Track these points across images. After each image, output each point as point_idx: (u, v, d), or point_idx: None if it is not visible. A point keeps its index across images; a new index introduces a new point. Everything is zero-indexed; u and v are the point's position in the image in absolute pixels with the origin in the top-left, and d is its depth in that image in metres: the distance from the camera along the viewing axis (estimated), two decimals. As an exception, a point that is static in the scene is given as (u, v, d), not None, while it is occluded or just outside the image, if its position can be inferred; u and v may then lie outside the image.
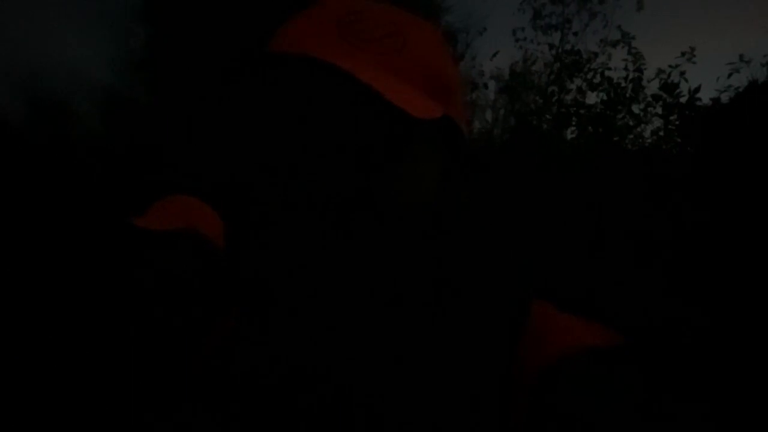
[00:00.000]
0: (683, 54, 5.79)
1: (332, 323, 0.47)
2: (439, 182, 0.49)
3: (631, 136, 6.16)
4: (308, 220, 0.44)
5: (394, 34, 0.46)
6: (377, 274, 0.46)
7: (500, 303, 0.50)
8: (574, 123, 6.41)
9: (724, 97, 4.80)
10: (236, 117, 0.49)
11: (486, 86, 8.61)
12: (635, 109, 6.02)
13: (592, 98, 6.46)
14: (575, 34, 7.62)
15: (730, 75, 5.30)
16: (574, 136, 6.44)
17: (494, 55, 9.00)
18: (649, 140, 6.07)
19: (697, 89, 5.09)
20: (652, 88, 5.89)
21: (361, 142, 0.44)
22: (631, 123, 6.05)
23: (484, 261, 0.54)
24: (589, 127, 6.19)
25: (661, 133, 5.78)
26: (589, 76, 6.46)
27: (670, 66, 5.73)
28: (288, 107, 0.45)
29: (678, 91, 5.35)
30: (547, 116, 6.84)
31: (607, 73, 6.26)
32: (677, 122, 5.33)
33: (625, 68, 6.16)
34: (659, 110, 5.69)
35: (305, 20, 0.47)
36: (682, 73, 5.60)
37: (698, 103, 5.03)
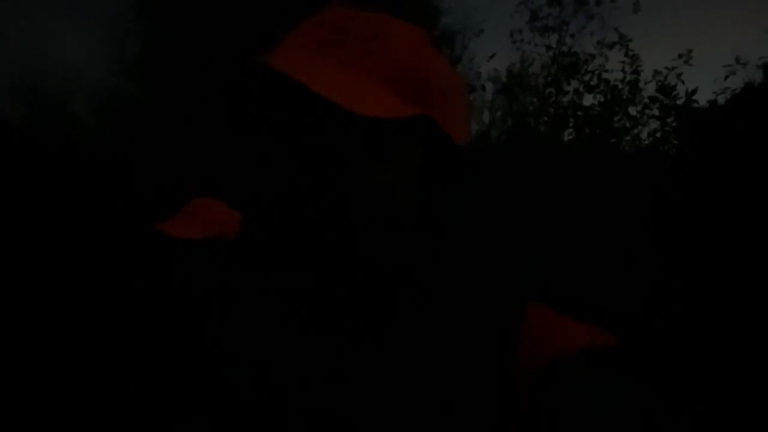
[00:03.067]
0: (680, 56, 5.81)
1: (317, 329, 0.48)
2: (419, 182, 0.50)
3: (628, 138, 6.18)
4: (272, 222, 0.45)
5: (376, 37, 0.48)
6: (356, 275, 0.46)
7: (495, 305, 0.50)
8: (571, 125, 6.42)
9: (721, 99, 4.82)
10: (219, 125, 0.52)
11: (483, 88, 8.61)
12: (632, 111, 6.05)
13: (589, 100, 6.48)
14: (572, 35, 7.64)
15: (726, 77, 5.32)
16: (571, 137, 6.46)
17: (491, 56, 9.01)
18: (646, 142, 6.09)
19: (694, 91, 5.11)
20: (649, 90, 5.92)
21: (315, 143, 0.46)
22: (628, 125, 6.07)
23: (480, 263, 0.54)
24: (587, 129, 6.20)
25: (658, 135, 5.80)
26: (586, 78, 6.48)
27: (666, 68, 5.76)
28: (250, 112, 0.48)
29: (675, 93, 5.36)
30: (545, 118, 6.86)
31: (604, 75, 6.27)
32: (674, 124, 5.35)
33: (623, 70, 6.18)
34: (656, 112, 5.71)
35: (299, 27, 0.50)
36: (679, 75, 5.62)
37: (695, 105, 5.05)
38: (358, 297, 0.47)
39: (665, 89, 5.45)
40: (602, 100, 6.12)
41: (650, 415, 0.40)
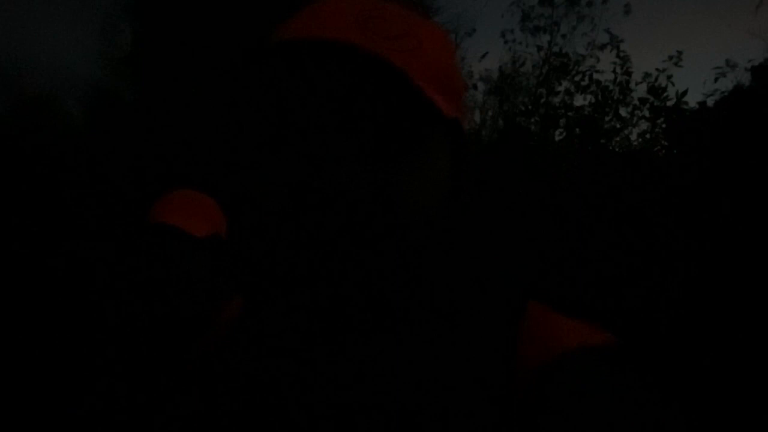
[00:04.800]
0: (670, 58, 5.87)
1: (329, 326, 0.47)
2: (447, 185, 0.49)
3: (618, 139, 6.23)
4: (318, 220, 0.42)
5: (409, 34, 0.45)
6: (382, 278, 0.45)
7: (496, 305, 0.50)
8: (561, 125, 6.47)
9: (710, 101, 4.86)
10: (244, 108, 0.47)
11: (475, 87, 8.66)
12: (623, 111, 6.10)
13: (579, 101, 6.54)
14: (563, 36, 7.70)
15: (716, 79, 5.38)
16: (562, 137, 6.50)
17: (483, 56, 9.04)
18: (635, 143, 6.15)
19: (684, 93, 5.16)
20: (640, 91, 5.97)
21: (381, 136, 0.43)
22: (618, 126, 6.12)
23: (480, 262, 0.54)
24: (577, 130, 6.25)
25: (648, 136, 5.86)
26: (576, 79, 6.53)
27: (657, 69, 5.81)
28: (306, 95, 0.43)
29: (665, 94, 5.41)
30: (536, 118, 6.90)
31: (595, 75, 6.33)
32: (664, 125, 5.40)
33: (614, 71, 6.23)
34: (646, 113, 5.77)
35: (324, 9, 0.45)
36: (669, 77, 5.67)
37: (684, 106, 5.10)
38: (374, 299, 0.46)
39: (655, 90, 5.51)
40: (593, 100, 6.17)
41: (650, 412, 0.40)
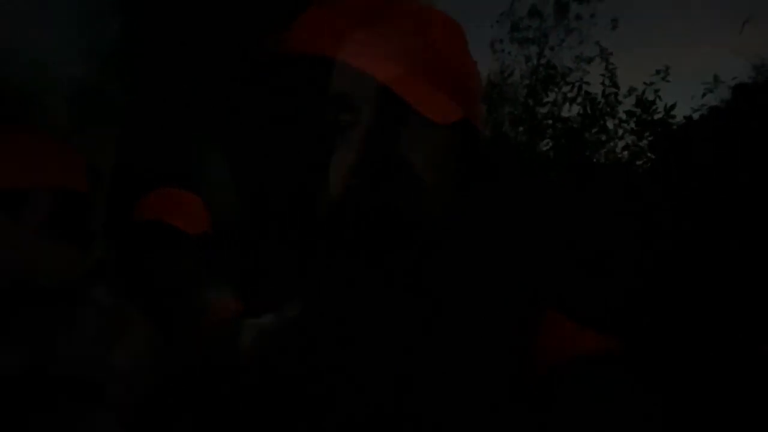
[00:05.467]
0: (658, 72, 5.94)
1: (341, 330, 0.46)
2: (458, 184, 0.48)
3: (604, 151, 6.29)
4: (321, 223, 0.43)
5: (420, 32, 0.45)
6: (394, 285, 0.45)
7: (511, 312, 0.49)
8: (548, 135, 6.52)
9: (697, 116, 4.92)
10: (246, 120, 0.47)
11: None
12: (609, 124, 6.16)
13: (565, 112, 6.59)
14: (551, 48, 7.80)
15: (704, 95, 5.46)
16: (548, 148, 6.55)
17: (472, 65, 9.11)
18: (620, 156, 6.21)
19: (673, 107, 5.22)
20: (626, 105, 6.04)
21: (380, 144, 0.42)
22: (603, 138, 6.18)
23: (488, 264, 0.53)
24: (563, 140, 6.30)
25: (633, 149, 5.92)
26: (564, 90, 6.59)
27: (644, 83, 5.87)
28: (301, 108, 0.44)
29: (654, 107, 5.47)
30: (523, 127, 6.96)
31: (583, 87, 6.39)
32: (650, 138, 5.45)
33: (602, 83, 6.30)
34: (633, 126, 5.82)
35: (326, 14, 0.45)
36: (657, 91, 5.73)
37: (671, 120, 5.16)
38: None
39: (644, 103, 5.56)
40: (581, 111, 6.23)
41: (650, 416, 0.40)
